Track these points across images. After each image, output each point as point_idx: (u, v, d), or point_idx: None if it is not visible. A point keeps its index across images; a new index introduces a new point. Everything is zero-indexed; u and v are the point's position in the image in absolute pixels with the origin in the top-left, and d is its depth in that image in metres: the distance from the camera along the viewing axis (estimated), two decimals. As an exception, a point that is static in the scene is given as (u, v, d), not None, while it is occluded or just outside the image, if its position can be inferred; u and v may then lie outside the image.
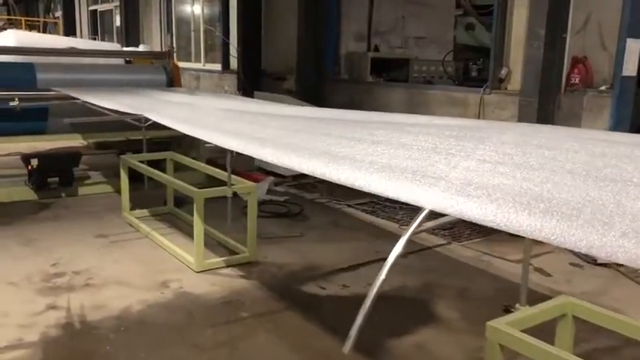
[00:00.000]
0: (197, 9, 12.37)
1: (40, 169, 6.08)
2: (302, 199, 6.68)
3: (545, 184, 1.75)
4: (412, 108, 7.08)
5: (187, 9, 12.84)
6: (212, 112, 4.46)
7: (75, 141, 7.03)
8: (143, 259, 4.61)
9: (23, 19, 14.93)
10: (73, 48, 7.29)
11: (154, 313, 3.70)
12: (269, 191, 6.85)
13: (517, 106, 5.87)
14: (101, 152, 7.36)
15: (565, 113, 5.54)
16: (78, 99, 5.40)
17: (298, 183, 7.55)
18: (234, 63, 11.16)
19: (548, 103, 5.48)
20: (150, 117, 3.90)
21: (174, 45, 10.12)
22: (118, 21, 16.22)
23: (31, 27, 16.68)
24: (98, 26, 17.34)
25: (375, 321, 3.69)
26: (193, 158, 6.14)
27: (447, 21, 10.32)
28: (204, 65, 11.89)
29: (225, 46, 11.15)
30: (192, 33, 12.27)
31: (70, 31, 18.19)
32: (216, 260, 4.49)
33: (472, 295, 4.10)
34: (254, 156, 2.74)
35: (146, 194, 6.10)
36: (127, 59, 8.27)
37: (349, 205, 6.44)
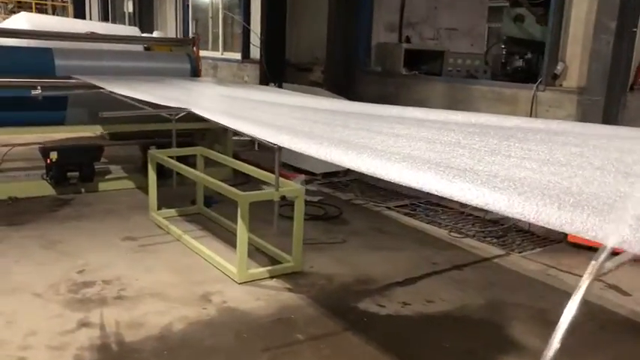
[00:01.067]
0: (215, -5, 11.91)
1: (60, 162, 5.66)
2: (337, 200, 6.26)
3: (574, 178, 1.77)
4: (453, 104, 6.63)
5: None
6: (255, 106, 4.04)
7: (85, 131, 6.53)
8: (178, 266, 4.20)
9: (33, 1, 14.45)
10: (93, 33, 6.84)
11: (198, 333, 3.29)
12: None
13: (575, 105, 5.43)
14: (122, 143, 6.90)
15: (632, 113, 5.10)
16: (104, 89, 4.96)
17: (329, 181, 7.14)
18: (254, 52, 10.70)
19: (613, 102, 5.04)
20: (198, 113, 3.46)
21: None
22: (130, 6, 15.75)
23: (39, 10, 16.18)
24: (109, 11, 16.83)
25: (447, 348, 3.30)
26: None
27: (479, 12, 9.87)
28: (222, 54, 11.43)
29: (246, 34, 10.69)
30: (210, 20, 11.78)
31: (79, 15, 17.70)
32: (260, 270, 4.08)
33: (551, 317, 3.68)
34: (305, 152, 2.52)
35: (170, 192, 5.67)
36: (146, 46, 7.85)
37: (389, 208, 6.02)
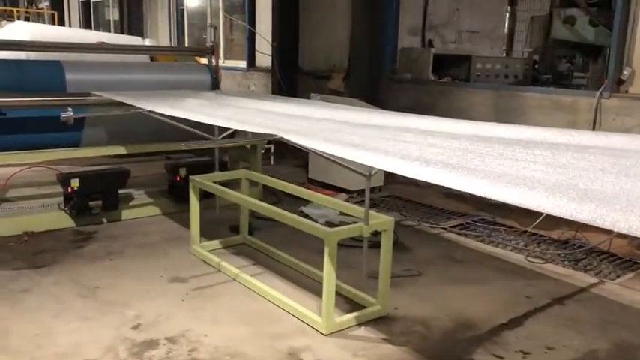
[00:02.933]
0: (213, -1, 11.28)
1: (82, 191, 4.99)
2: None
3: (580, 178, 2.01)
4: (501, 114, 6.17)
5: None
6: (338, 128, 3.49)
7: (104, 153, 5.82)
8: (247, 315, 3.60)
9: (15, 10, 13.58)
10: (103, 43, 6.18)
11: (304, 407, 2.71)
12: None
13: (648, 113, 5.02)
14: (138, 158, 6.24)
15: None
16: (142, 109, 4.32)
17: (364, 199, 6.59)
18: (260, 60, 10.14)
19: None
20: (292, 140, 2.88)
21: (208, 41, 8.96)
22: (114, 14, 15.00)
23: (16, 18, 15.27)
24: (92, 19, 16.02)
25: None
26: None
27: (499, 14, 9.49)
28: (223, 62, 10.80)
29: (251, 40, 10.11)
30: (209, 27, 11.12)
31: (59, 24, 16.82)
32: (346, 318, 3.50)
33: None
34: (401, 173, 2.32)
35: (202, 218, 5.09)
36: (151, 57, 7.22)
37: (444, 229, 5.51)
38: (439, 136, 3.14)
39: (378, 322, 3.56)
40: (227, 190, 4.47)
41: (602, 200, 1.72)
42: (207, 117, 3.64)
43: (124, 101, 4.55)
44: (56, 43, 5.70)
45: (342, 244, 3.81)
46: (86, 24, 16.25)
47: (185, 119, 4.00)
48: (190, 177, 4.57)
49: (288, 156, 8.21)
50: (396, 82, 7.52)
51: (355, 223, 5.07)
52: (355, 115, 4.11)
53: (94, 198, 5.10)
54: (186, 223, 5.32)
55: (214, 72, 6.59)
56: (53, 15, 15.17)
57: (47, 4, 18.78)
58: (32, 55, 6.50)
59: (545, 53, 7.05)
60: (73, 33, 7.78)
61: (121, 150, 5.42)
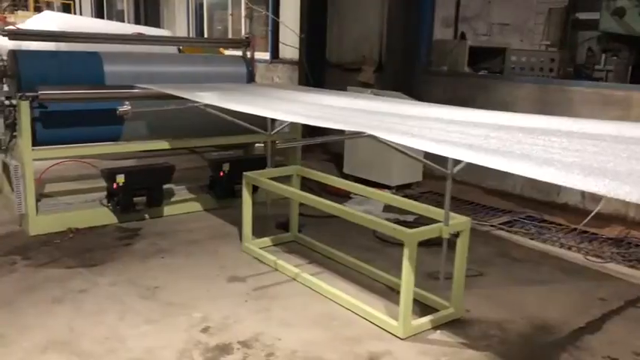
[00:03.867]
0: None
1: (127, 187, 4.86)
2: (428, 219, 5.57)
3: (594, 160, 2.29)
4: (546, 109, 6.02)
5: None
6: (419, 123, 3.34)
7: (146, 148, 5.67)
8: (317, 318, 3.48)
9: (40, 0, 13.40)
10: (140, 34, 6.02)
11: (398, 417, 2.59)
12: (385, 207, 5.76)
13: None
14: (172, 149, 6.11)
15: None
16: (199, 102, 4.17)
17: (404, 194, 6.46)
18: (284, 51, 9.96)
19: None
20: (385, 138, 2.74)
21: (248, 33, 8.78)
22: (125, 4, 14.79)
23: (24, 9, 15.03)
24: (104, 9, 15.80)
25: None
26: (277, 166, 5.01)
27: (529, 6, 9.32)
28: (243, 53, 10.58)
29: (275, 32, 9.93)
30: (230, 17, 10.96)
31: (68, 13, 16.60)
32: (422, 321, 3.38)
33: None
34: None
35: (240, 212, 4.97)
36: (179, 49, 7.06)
37: (493, 226, 5.38)
38: (522, 132, 3.03)
39: (453, 325, 3.45)
40: (282, 186, 4.34)
41: (616, 176, 1.95)
42: (282, 113, 3.49)
43: (178, 94, 4.39)
44: (97, 34, 5.54)
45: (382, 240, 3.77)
46: (98, 15, 16.02)
47: (236, 113, 3.88)
48: (244, 173, 4.43)
49: (315, 149, 8.07)
50: (431, 74, 7.36)
51: (398, 219, 5.02)
52: (421, 109, 3.97)
53: (139, 194, 4.96)
54: (230, 220, 5.23)
55: (250, 64, 6.45)
56: (69, 5, 14.92)
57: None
58: (62, 46, 6.36)
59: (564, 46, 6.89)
60: (102, 24, 7.60)
61: (165, 145, 5.28)
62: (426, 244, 3.47)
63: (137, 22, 13.14)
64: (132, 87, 4.99)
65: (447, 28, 8.08)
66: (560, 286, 4.06)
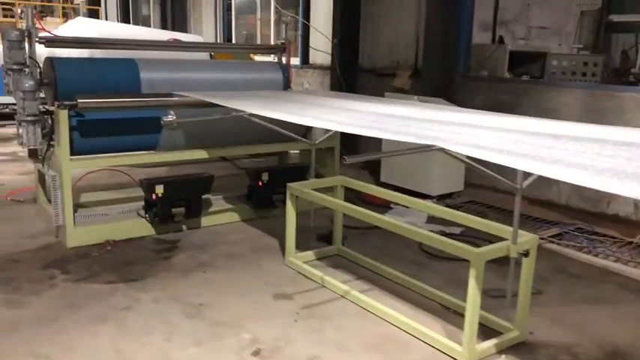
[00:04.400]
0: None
1: (166, 197, 4.72)
2: (473, 230, 5.35)
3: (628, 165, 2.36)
4: (596, 115, 5.77)
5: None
6: (489, 133, 3.15)
7: (184, 157, 5.51)
8: (374, 340, 3.29)
9: (60, 5, 13.42)
10: (176, 40, 5.90)
11: None
12: (429, 219, 5.55)
13: None
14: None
15: None
16: (244, 112, 4.01)
17: (446, 204, 6.24)
18: (314, 56, 9.80)
19: None
20: (453, 149, 2.55)
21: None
22: (152, 10, 14.78)
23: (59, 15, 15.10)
24: (130, 15, 15.81)
25: None
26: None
27: (568, 9, 9.04)
28: (274, 59, 10.45)
29: (305, 36, 9.77)
30: (259, 22, 10.84)
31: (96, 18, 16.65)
32: (486, 345, 3.17)
33: None
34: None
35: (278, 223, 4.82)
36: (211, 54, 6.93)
37: (543, 239, 5.14)
38: (594, 142, 2.83)
39: (519, 349, 3.23)
40: (328, 198, 4.17)
41: None
42: (337, 124, 3.31)
43: (220, 103, 4.24)
44: (133, 41, 5.43)
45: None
46: (124, 20, 16.04)
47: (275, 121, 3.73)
48: (288, 184, 4.26)
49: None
50: (471, 80, 7.13)
51: (444, 232, 4.77)
52: (478, 117, 3.77)
53: (178, 204, 4.83)
54: (269, 231, 5.08)
55: (287, 71, 6.29)
56: (97, 11, 14.95)
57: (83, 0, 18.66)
58: (96, 53, 6.27)
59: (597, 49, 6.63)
60: (135, 30, 7.51)
61: (204, 154, 5.13)
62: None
63: (164, 27, 13.09)
64: (171, 95, 4.86)
65: (484, 32, 7.85)
66: (627, 306, 3.82)
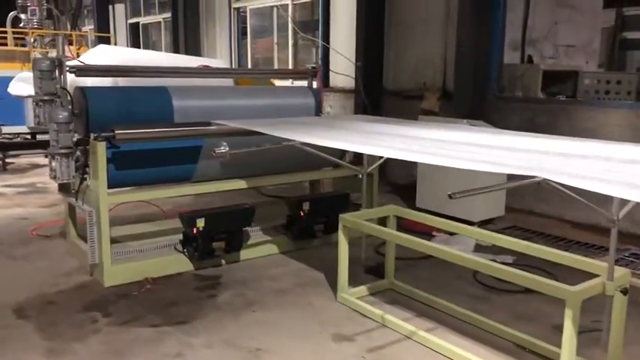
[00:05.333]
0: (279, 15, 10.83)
1: (207, 231, 4.48)
2: (526, 257, 5.09)
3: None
4: (642, 134, 5.56)
5: (268, 16, 11.27)
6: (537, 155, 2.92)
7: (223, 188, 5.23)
8: (452, 387, 3.03)
9: (74, 33, 13.36)
10: (206, 66, 5.71)
11: None
12: (477, 247, 5.31)
13: None
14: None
15: None
16: (294, 141, 3.79)
17: (495, 231, 5.99)
18: (335, 79, 9.62)
19: None
20: (558, 180, 2.33)
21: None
22: (163, 35, 14.70)
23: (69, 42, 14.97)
24: (141, 41, 15.73)
25: None
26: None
27: (593, 26, 8.89)
28: (292, 83, 10.28)
29: (325, 59, 9.60)
30: (276, 46, 10.70)
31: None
32: (579, 391, 2.91)
33: None
34: None
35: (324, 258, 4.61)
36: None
37: (635, 273, 4.87)
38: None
39: (613, 394, 2.97)
40: (383, 228, 3.95)
41: None
42: (407, 153, 3.09)
43: (266, 132, 4.02)
44: (165, 68, 5.23)
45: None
46: (134, 46, 15.95)
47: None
48: (340, 216, 4.02)
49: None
50: (504, 100, 6.94)
51: (495, 260, 4.49)
52: (548, 142, 3.55)
53: (218, 238, 4.59)
54: (312, 263, 4.85)
55: (318, 95, 6.10)
56: (107, 38, 14.82)
57: (91, 26, 18.59)
58: (120, 81, 6.09)
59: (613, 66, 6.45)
60: (159, 56, 7.37)
61: (242, 184, 4.90)
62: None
63: (178, 53, 12.97)
64: (209, 124, 4.66)
65: (514, 51, 7.68)
66: None
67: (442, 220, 4.24)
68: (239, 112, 5.37)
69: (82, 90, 4.70)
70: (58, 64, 4.61)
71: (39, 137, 11.78)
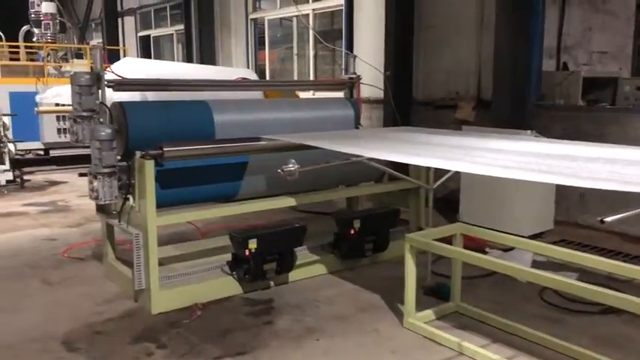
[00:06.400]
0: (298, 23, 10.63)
1: (259, 252, 4.23)
2: (590, 274, 4.82)
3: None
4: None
5: (286, 26, 11.09)
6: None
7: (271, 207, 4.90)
8: None
9: (88, 47, 13.13)
10: (245, 79, 5.48)
11: None
12: (534, 263, 5.04)
13: None
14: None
15: None
16: (361, 157, 3.55)
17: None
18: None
19: None
20: None
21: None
22: (175, 48, 14.53)
23: (76, 55, 14.71)
24: (152, 53, 15.54)
25: None
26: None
27: (626, 32, 8.68)
28: (314, 94, 10.04)
29: (348, 69, 9.36)
30: (295, 56, 10.48)
31: (114, 59, 16.36)
32: None
33: None
34: None
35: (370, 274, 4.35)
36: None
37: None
38: None
39: None
40: (450, 247, 3.70)
41: None
42: (501, 169, 2.84)
43: (332, 148, 3.74)
44: (206, 81, 5.04)
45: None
46: (144, 58, 15.74)
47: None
48: (407, 235, 3.76)
49: (403, 194, 7.41)
50: (544, 109, 6.71)
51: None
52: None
53: (269, 259, 4.33)
54: (365, 285, 4.61)
55: (357, 107, 5.87)
56: (117, 51, 14.53)
57: (100, 40, 18.42)
58: (149, 96, 5.88)
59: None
60: (186, 68, 7.15)
61: (291, 202, 4.65)
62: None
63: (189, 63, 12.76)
64: (258, 139, 4.42)
65: (549, 59, 7.46)
66: None
67: (515, 237, 4.02)
68: (280, 125, 5.13)
69: (122, 105, 4.47)
70: (97, 78, 4.38)
71: (52, 153, 11.62)
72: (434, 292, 4.33)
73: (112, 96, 5.20)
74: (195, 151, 4.11)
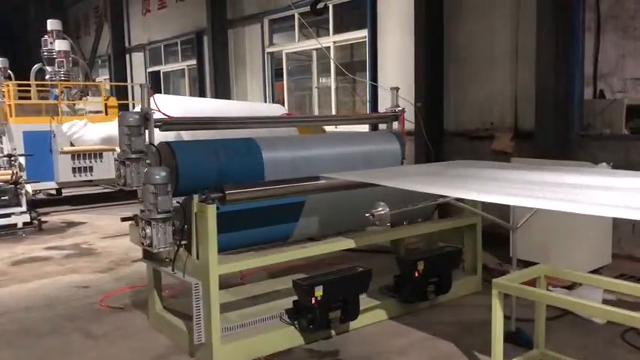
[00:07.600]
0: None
1: (324, 300, 3.93)
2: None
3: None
4: None
5: (301, 59, 10.96)
6: None
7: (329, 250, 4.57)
8: None
9: (103, 85, 12.91)
10: (290, 114, 5.26)
11: None
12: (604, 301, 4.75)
13: None
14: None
15: None
16: (447, 197, 3.30)
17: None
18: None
19: None
20: None
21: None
22: (187, 82, 14.39)
23: (83, 92, 14.46)
24: (162, 88, 15.38)
25: None
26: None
27: (657, 57, 8.54)
28: (336, 128, 9.81)
29: (373, 101, 9.21)
30: (316, 90, 10.31)
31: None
32: None
33: None
34: None
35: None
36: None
37: None
38: None
39: None
40: (539, 290, 3.43)
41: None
42: (609, 208, 2.61)
43: (410, 188, 3.47)
44: (253, 118, 4.80)
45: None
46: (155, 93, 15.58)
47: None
48: (493, 281, 3.47)
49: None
50: (591, 139, 6.50)
51: None
52: None
53: (334, 307, 4.04)
54: (434, 332, 4.29)
55: (402, 140, 5.64)
56: (96, 87, 14.21)
57: (106, 77, 18.31)
58: (185, 135, 5.66)
59: None
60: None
61: (351, 244, 4.37)
62: None
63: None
64: (317, 178, 4.17)
65: (587, 87, 7.30)
66: None
67: (601, 277, 3.75)
68: (328, 161, 4.91)
69: (170, 145, 4.22)
70: (145, 118, 4.14)
71: (64, 192, 11.32)
72: (512, 339, 4.02)
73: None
74: (258, 192, 3.85)
